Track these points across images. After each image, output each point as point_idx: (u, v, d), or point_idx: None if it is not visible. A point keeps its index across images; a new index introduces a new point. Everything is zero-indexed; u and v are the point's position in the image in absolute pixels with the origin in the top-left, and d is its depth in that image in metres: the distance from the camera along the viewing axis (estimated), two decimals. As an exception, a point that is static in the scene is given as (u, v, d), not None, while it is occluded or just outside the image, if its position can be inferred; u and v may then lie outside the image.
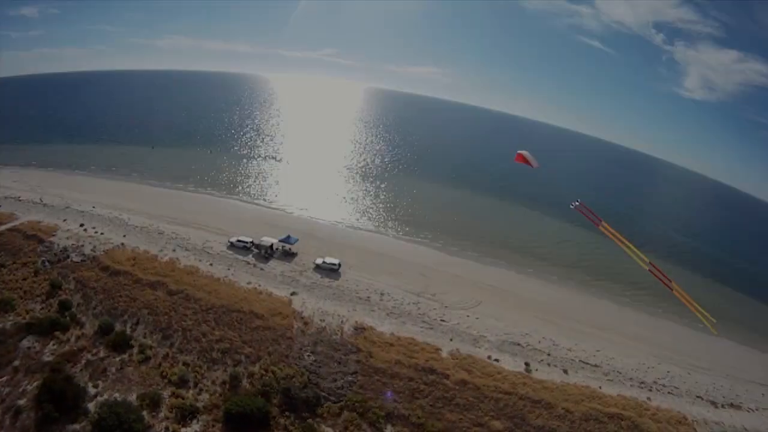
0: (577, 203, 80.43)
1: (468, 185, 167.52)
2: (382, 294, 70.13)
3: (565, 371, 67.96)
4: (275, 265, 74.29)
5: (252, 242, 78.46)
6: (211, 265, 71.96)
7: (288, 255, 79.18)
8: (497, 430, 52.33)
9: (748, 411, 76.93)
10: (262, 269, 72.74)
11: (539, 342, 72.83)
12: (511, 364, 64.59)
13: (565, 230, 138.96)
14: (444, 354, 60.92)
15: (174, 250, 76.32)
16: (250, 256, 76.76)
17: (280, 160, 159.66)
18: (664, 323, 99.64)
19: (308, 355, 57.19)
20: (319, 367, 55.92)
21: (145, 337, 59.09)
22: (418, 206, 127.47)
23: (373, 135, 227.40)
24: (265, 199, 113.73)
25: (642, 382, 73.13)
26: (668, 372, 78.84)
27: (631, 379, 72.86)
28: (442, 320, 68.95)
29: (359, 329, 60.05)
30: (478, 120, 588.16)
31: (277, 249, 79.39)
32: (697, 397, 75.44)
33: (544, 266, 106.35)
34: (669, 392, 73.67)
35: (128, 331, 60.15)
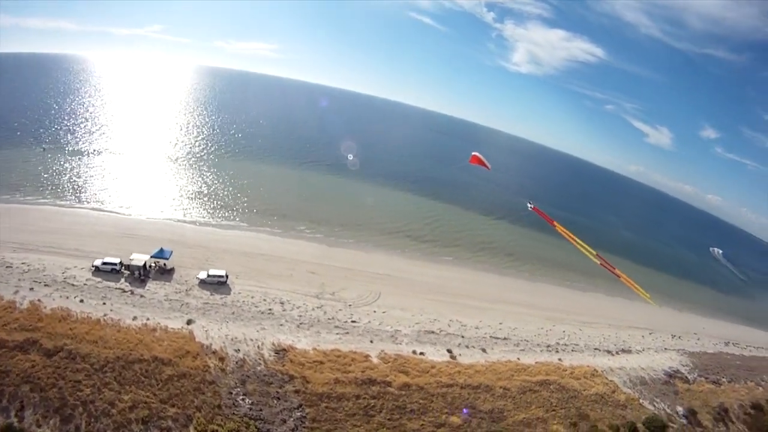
0: (530, 206, 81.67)
1: (316, 166, 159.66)
2: (282, 303, 58.60)
3: (484, 350, 66.99)
4: (155, 288, 56.22)
5: (121, 263, 58.80)
6: (82, 301, 51.02)
7: (165, 272, 61.26)
8: (458, 424, 48.24)
9: (636, 353, 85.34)
10: (142, 296, 54.02)
11: (449, 326, 70.66)
12: (435, 354, 60.53)
13: (427, 208, 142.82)
14: (375, 359, 53.00)
15: (32, 289, 52.66)
16: (123, 280, 57.08)
17: (122, 154, 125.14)
18: (542, 287, 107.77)
19: (242, 399, 43.51)
20: (260, 410, 42.94)
21: (39, 426, 38.16)
22: (279, 193, 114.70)
23: (211, 118, 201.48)
24: (118, 205, 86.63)
25: (548, 346, 76.31)
26: (564, 331, 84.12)
27: (538, 345, 75.41)
28: (353, 322, 60.68)
29: (280, 352, 47.98)
30: (313, 98, 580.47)
31: (151, 267, 60.96)
32: (595, 349, 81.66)
33: (421, 246, 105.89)
34: (572, 350, 78.20)
35: (14, 422, 38.46)
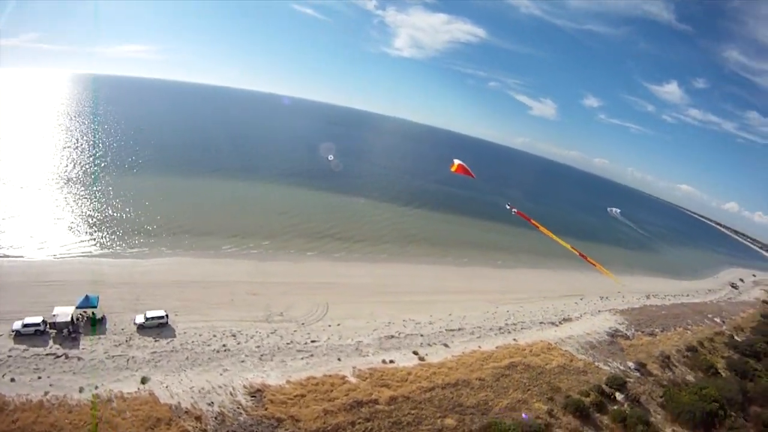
0: (514, 211, 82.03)
1: (219, 173, 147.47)
2: (234, 335, 52.76)
3: (446, 345, 66.53)
4: (91, 345, 46.41)
5: (44, 322, 48.18)
6: (13, 380, 39.68)
7: (96, 323, 51.60)
8: (453, 426, 46.63)
9: (576, 320, 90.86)
10: (79, 358, 43.97)
11: (404, 326, 69.38)
12: (404, 359, 58.73)
13: (340, 204, 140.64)
14: (351, 378, 49.78)
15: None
16: (51, 342, 46.28)
17: (3, 187, 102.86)
18: (474, 270, 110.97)
19: (240, 460, 37.99)
20: (262, 465, 37.85)
21: None
22: (191, 208, 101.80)
23: (97, 131, 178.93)
24: (19, 247, 70.75)
25: (500, 328, 78.20)
26: (507, 311, 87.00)
27: (491, 329, 76.89)
28: (312, 342, 56.74)
29: (256, 394, 42.55)
30: (200, 98, 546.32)
31: (79, 320, 50.70)
32: (540, 323, 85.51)
33: (351, 247, 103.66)
34: (522, 328, 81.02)
35: None
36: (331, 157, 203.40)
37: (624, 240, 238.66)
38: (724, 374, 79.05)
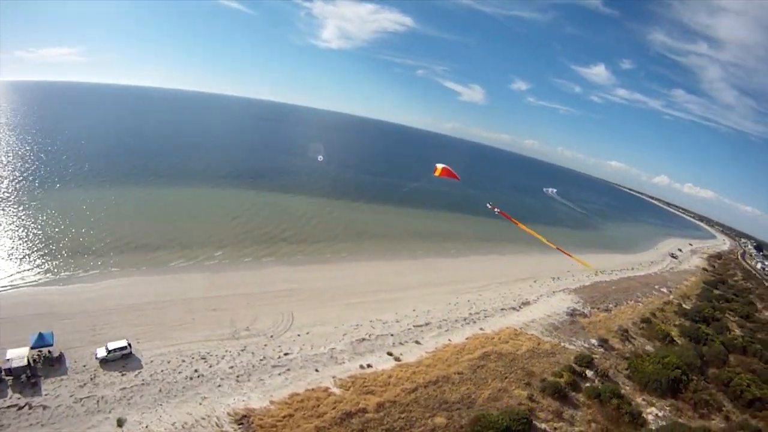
0: (497, 210, 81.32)
1: (154, 178, 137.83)
2: (204, 358, 49.23)
3: (417, 342, 66.27)
4: (54, 389, 40.39)
5: None
6: None
7: (54, 362, 45.09)
8: (444, 424, 46.32)
9: (534, 303, 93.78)
10: (44, 407, 37.97)
11: (373, 327, 68.42)
12: (380, 361, 57.77)
13: (280, 203, 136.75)
14: (335, 390, 48.01)
15: None
16: (10, 391, 39.86)
17: None
18: (428, 262, 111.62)
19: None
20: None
21: None
22: (131, 220, 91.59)
23: (23, 143, 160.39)
24: None
25: (465, 319, 79.12)
26: (468, 301, 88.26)
27: (456, 320, 77.62)
28: (286, 355, 54.35)
29: (243, 421, 39.66)
30: (129, 101, 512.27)
31: (36, 362, 44.14)
32: (502, 309, 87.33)
33: (304, 249, 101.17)
34: (485, 316, 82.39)
35: None
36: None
37: (565, 219, 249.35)
38: (679, 341, 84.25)
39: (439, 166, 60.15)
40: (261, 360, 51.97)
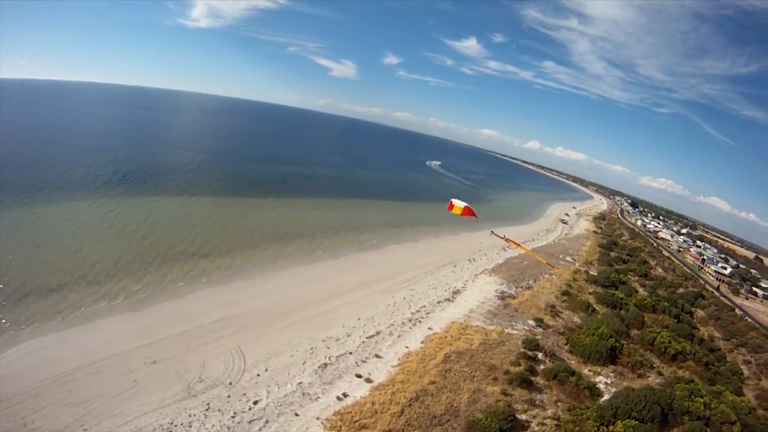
0: (502, 236, 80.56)
1: (21, 196, 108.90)
2: (167, 430, 44.94)
3: (378, 356, 66.85)
4: None
5: None
6: None
7: None
8: None
9: (464, 290, 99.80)
10: None
11: (328, 348, 67.32)
12: (354, 387, 57.18)
13: (194, 211, 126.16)
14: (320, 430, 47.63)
15: None
16: None
17: None
18: (348, 261, 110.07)
19: None
20: None
21: None
22: (12, 253, 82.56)
23: None
24: None
25: (410, 320, 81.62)
26: (404, 299, 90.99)
27: (403, 323, 79.66)
28: (255, 403, 50.97)
29: None
30: None
31: None
32: (438, 303, 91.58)
33: (222, 263, 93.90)
34: (427, 313, 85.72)
35: None
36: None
37: (456, 194, 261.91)
38: (599, 309, 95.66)
39: (459, 204, 60.23)
40: (233, 417, 48.84)
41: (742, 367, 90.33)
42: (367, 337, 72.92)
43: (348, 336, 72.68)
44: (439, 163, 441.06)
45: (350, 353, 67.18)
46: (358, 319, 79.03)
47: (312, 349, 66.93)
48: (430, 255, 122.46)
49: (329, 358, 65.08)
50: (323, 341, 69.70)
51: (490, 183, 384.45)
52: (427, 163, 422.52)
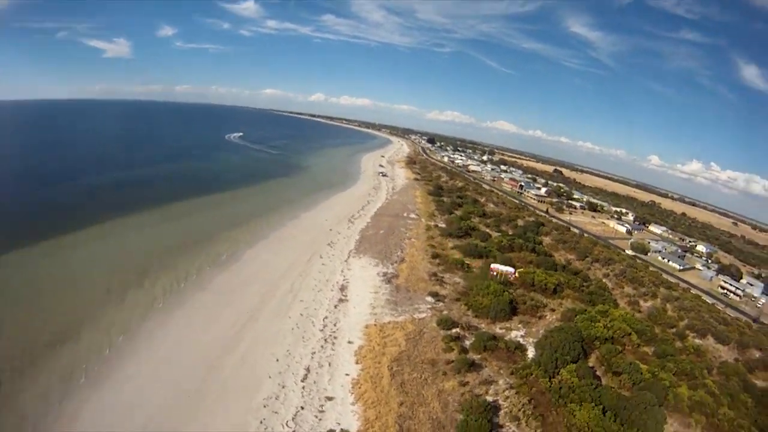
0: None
1: None
2: None
3: (329, 398, 65.20)
4: None
5: None
6: None
7: None
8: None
9: (347, 282, 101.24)
10: None
11: (276, 414, 61.45)
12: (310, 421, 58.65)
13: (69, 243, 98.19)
14: None
15: None
16: None
17: None
18: (217, 289, 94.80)
19: None
20: None
21: None
22: None
23: None
24: None
25: (325, 339, 79.69)
26: (300, 315, 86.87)
27: (322, 346, 77.65)
28: None
29: None
30: None
31: None
32: (335, 307, 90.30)
33: (139, 300, 68.47)
34: (333, 324, 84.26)
35: None
36: None
37: (273, 168, 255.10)
38: (469, 262, 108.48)
39: (503, 269, 58.95)
40: None
41: (604, 281, 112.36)
42: (301, 380, 69.25)
43: (283, 387, 67.68)
44: (240, 134, 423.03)
45: (302, 408, 63.61)
46: (277, 360, 73.34)
47: (261, 422, 60.54)
48: (289, 252, 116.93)
49: (287, 425, 60.35)
50: (265, 407, 63.60)
51: (295, 147, 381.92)
52: (227, 137, 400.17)
